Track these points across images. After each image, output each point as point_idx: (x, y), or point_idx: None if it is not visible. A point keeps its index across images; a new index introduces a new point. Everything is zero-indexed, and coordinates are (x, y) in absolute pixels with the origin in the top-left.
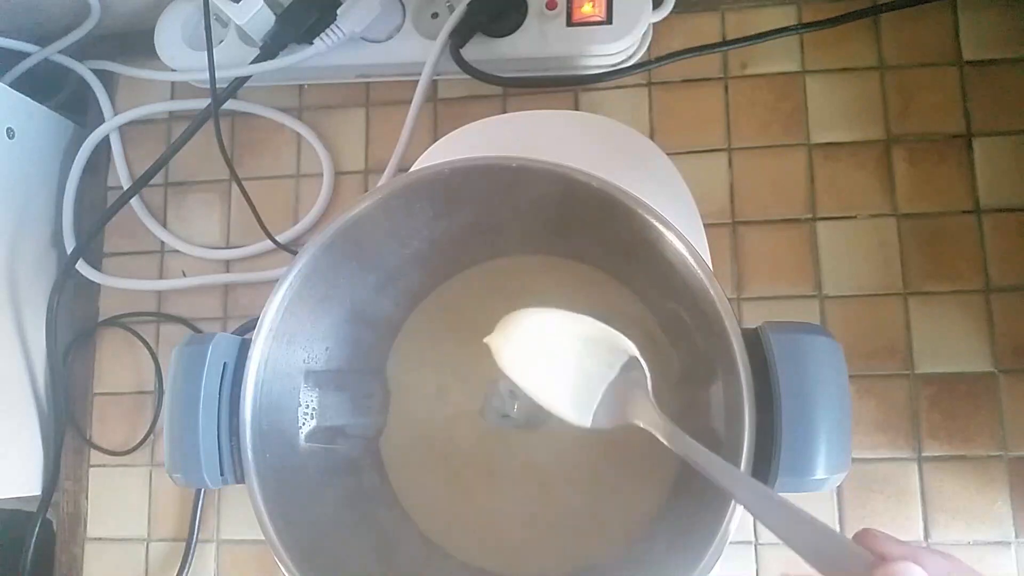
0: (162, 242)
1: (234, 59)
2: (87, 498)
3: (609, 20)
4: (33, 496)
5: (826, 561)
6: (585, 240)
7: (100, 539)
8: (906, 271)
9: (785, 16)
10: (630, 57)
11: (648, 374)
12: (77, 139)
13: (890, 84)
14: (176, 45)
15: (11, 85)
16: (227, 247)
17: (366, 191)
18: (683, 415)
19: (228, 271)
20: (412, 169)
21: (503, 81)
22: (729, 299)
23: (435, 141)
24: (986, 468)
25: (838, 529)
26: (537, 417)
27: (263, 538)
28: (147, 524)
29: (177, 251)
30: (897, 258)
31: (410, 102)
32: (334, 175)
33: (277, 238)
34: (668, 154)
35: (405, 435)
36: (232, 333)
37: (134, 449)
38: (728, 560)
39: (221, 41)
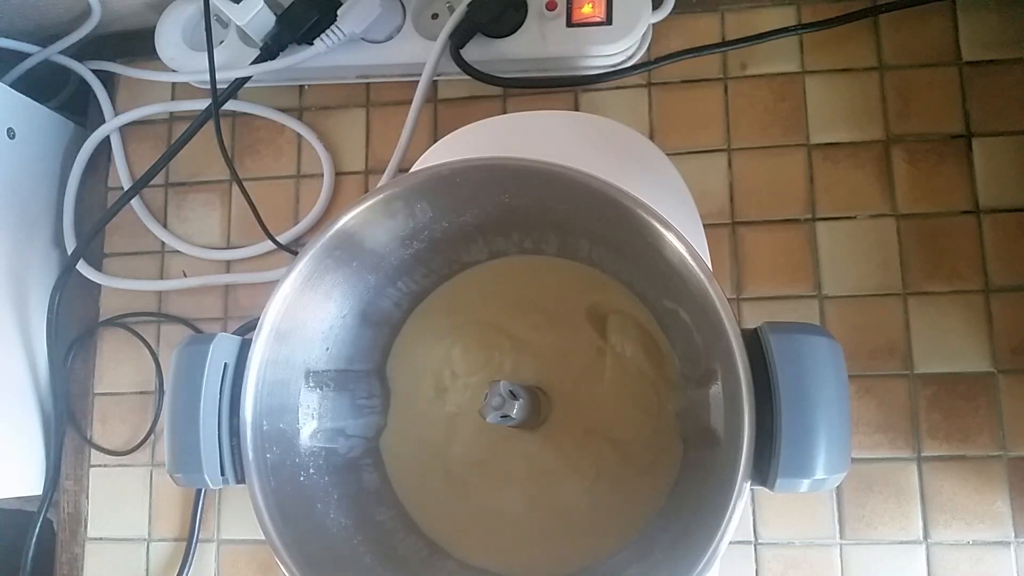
0: (162, 242)
1: (235, 60)
2: (87, 498)
3: (609, 21)
4: (34, 496)
5: None
6: (585, 240)
7: (100, 539)
8: (906, 271)
9: (785, 17)
10: (630, 58)
11: None
12: (78, 139)
13: (890, 84)
14: (177, 46)
15: (12, 85)
16: (228, 247)
17: (366, 191)
18: (683, 415)
19: (229, 271)
20: (412, 169)
21: (503, 82)
22: (729, 299)
23: (435, 141)
24: (985, 468)
25: (837, 530)
26: (537, 417)
27: (263, 538)
28: (147, 524)
29: (178, 251)
30: (897, 258)
31: (410, 103)
32: (334, 175)
33: (277, 238)
34: (668, 154)
35: (405, 435)
36: (233, 333)
37: (135, 449)
38: (728, 560)
39: (221, 42)
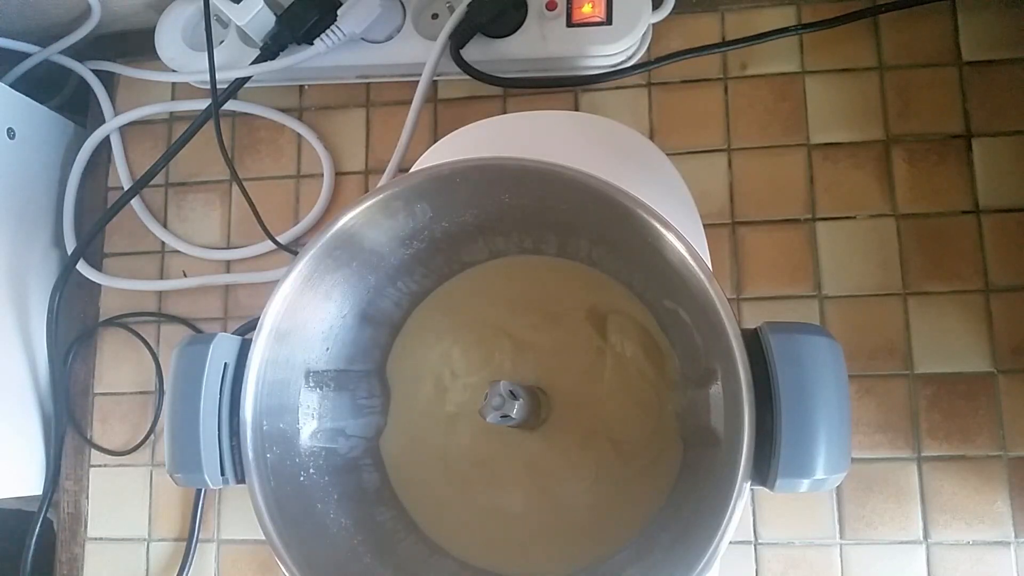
0: (162, 242)
1: (234, 60)
2: (87, 498)
3: (609, 21)
4: (34, 496)
5: None
6: (585, 240)
7: (100, 539)
8: (906, 271)
9: (785, 17)
10: (630, 58)
11: None
12: (78, 139)
13: (889, 84)
14: (176, 46)
15: (12, 85)
16: (227, 247)
17: (366, 191)
18: (683, 415)
19: (228, 271)
20: (412, 169)
21: (503, 82)
22: (729, 299)
23: (435, 141)
24: (985, 468)
25: (837, 530)
26: (537, 417)
27: (263, 538)
28: (147, 524)
29: (177, 251)
30: (897, 258)
31: (410, 103)
32: (334, 175)
33: (278, 238)
34: (668, 154)
35: (405, 435)
36: (233, 333)
37: (135, 449)
38: (728, 560)
39: (221, 42)
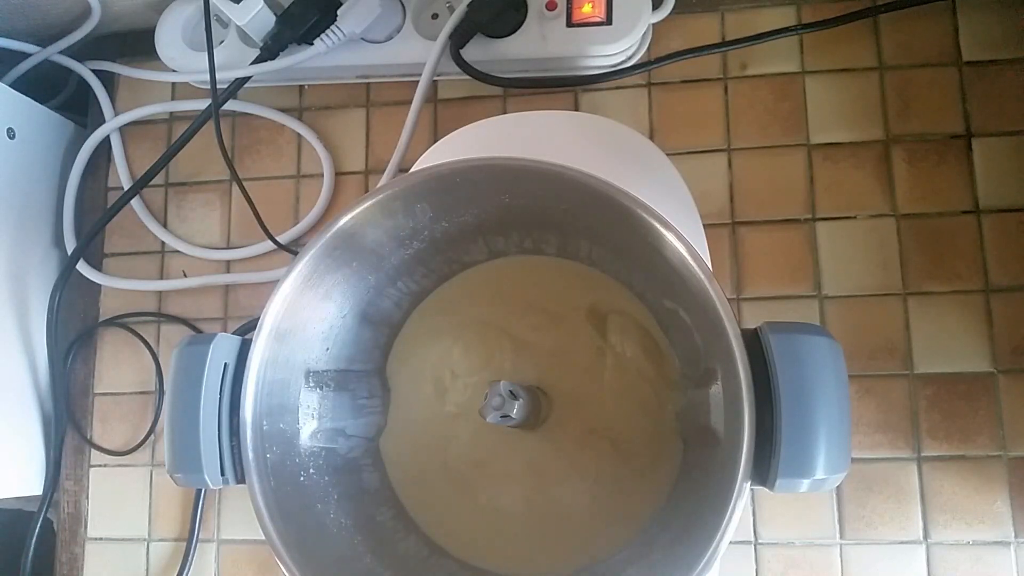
0: (163, 242)
1: (235, 60)
2: (88, 498)
3: (609, 21)
4: (34, 496)
5: None
6: (585, 240)
7: (100, 539)
8: (905, 271)
9: (785, 17)
10: (630, 58)
11: None
12: (78, 139)
13: (889, 84)
14: (177, 46)
15: (12, 85)
16: (227, 247)
17: (366, 191)
18: (683, 415)
19: (228, 271)
20: (412, 170)
21: (503, 82)
22: (729, 299)
23: (435, 142)
24: (985, 468)
25: (837, 530)
26: (537, 417)
27: (263, 538)
28: (147, 524)
29: (178, 251)
30: (896, 258)
31: (410, 103)
32: (334, 175)
33: (278, 238)
34: (668, 154)
35: (405, 435)
36: (233, 333)
37: (135, 449)
38: (728, 560)
39: (222, 42)
